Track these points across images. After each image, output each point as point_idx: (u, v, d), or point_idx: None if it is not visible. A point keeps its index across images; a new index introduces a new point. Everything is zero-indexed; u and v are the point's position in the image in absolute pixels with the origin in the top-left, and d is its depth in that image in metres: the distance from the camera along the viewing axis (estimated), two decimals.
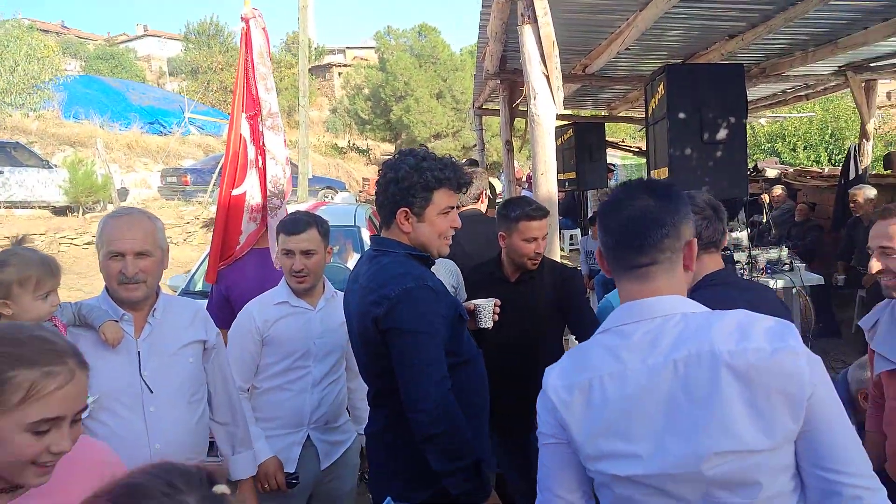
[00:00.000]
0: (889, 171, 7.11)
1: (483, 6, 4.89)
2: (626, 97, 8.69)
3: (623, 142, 12.68)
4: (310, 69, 39.69)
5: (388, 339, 1.72)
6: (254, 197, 3.06)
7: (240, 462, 2.13)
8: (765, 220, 6.62)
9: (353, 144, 30.13)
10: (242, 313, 2.41)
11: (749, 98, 8.83)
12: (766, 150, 19.88)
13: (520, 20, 3.61)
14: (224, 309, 2.85)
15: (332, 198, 14.09)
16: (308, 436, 2.39)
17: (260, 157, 3.13)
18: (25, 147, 13.06)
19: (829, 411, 1.09)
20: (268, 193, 3.12)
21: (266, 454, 2.27)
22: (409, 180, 1.79)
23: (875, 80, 6.86)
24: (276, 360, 2.35)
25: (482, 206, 3.43)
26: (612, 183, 10.70)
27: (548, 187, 3.71)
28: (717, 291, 1.67)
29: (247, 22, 3.13)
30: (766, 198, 7.31)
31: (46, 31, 29.88)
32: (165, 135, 19.34)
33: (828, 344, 5.96)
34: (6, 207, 11.87)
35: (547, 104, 3.61)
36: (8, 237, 9.84)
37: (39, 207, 12.15)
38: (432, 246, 1.86)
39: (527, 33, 3.58)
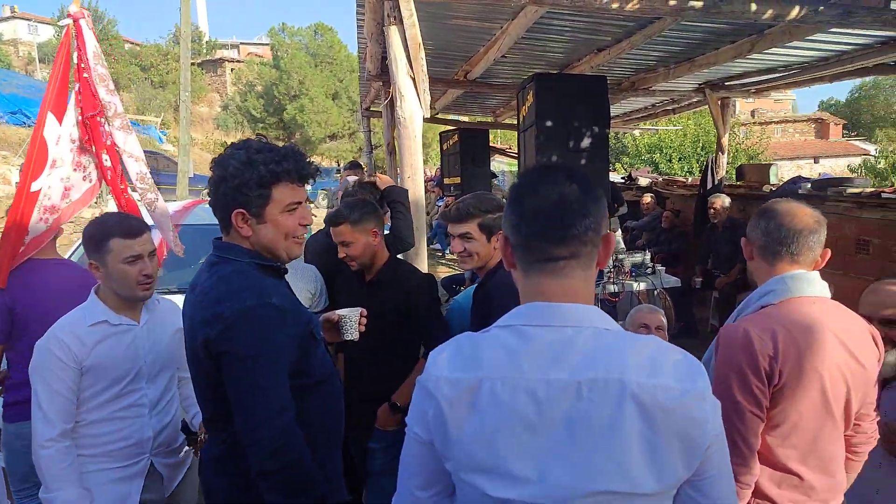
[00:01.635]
0: (740, 182, 7.73)
1: (357, 5, 4.82)
2: (510, 104, 8.91)
3: (510, 148, 13.01)
4: (200, 63, 37.97)
5: (222, 364, 1.53)
6: (49, 197, 2.69)
7: None
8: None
9: None
10: (48, 344, 2.01)
11: (624, 110, 9.37)
12: (646, 160, 21.17)
13: (386, 21, 3.57)
14: (5, 322, 2.51)
15: None
16: (151, 463, 2.17)
17: (108, 157, 2.89)
18: None
19: (723, 463, 1.04)
20: (139, 189, 2.95)
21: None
22: (239, 177, 1.57)
23: (729, 97, 7.43)
24: (102, 388, 2.05)
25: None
26: (496, 184, 10.95)
27: (415, 191, 3.69)
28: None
29: (76, 21, 2.83)
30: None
31: None
32: (31, 126, 17.72)
33: (687, 342, 6.37)
34: None
35: (413, 107, 3.58)
36: None
37: None
38: (279, 249, 1.66)
39: (393, 34, 3.54)
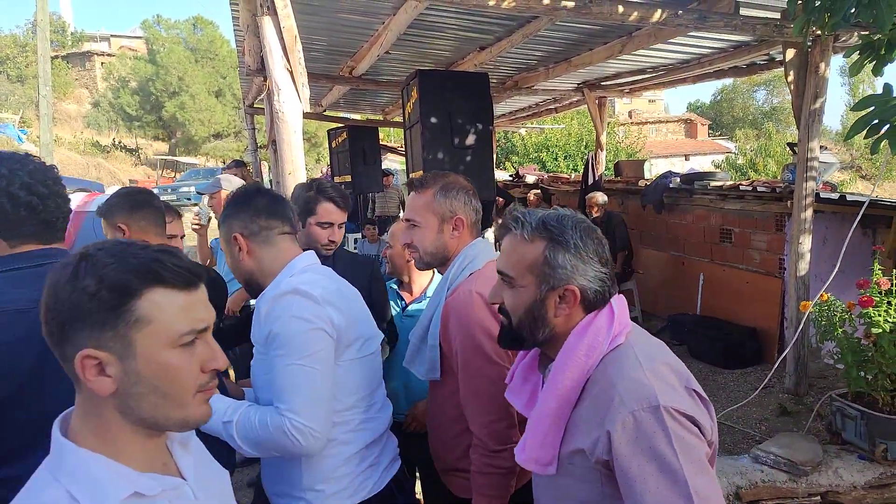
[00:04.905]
0: (618, 178, 8.17)
1: None
2: (398, 102, 8.88)
3: (401, 147, 12.99)
4: (65, 56, 35.10)
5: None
6: None
7: None
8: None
9: (120, 143, 27.13)
10: None
11: (510, 109, 9.61)
12: (534, 159, 21.89)
13: (259, 11, 3.42)
14: None
15: None
16: None
17: None
18: None
19: None
20: None
21: None
22: None
23: (606, 97, 7.81)
24: None
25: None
26: (394, 184, 10.90)
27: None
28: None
29: None
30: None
31: None
32: None
33: None
34: None
35: (292, 100, 3.45)
36: None
37: None
38: None
39: (267, 25, 3.40)
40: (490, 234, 5.71)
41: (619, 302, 1.31)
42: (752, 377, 5.29)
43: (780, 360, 4.27)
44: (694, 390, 1.20)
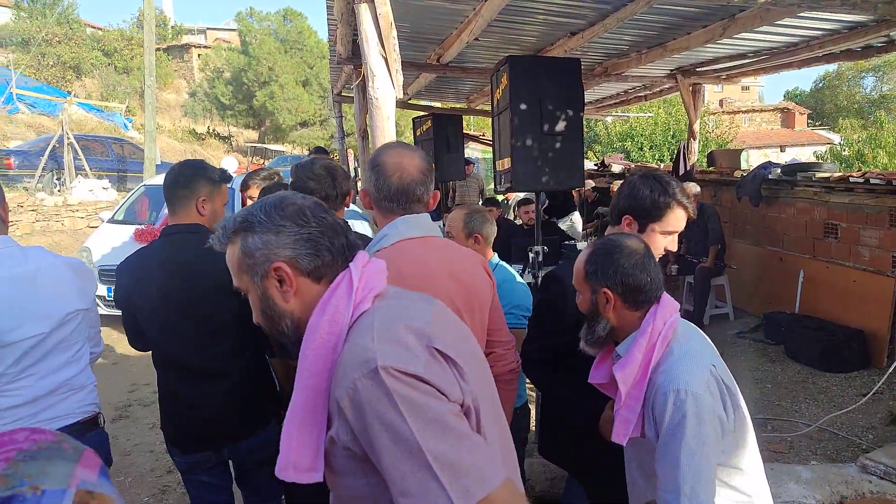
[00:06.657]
0: (711, 168, 7.80)
1: None
2: (483, 90, 8.85)
3: (483, 135, 12.96)
4: (166, 49, 37.08)
5: None
6: None
7: None
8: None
9: (214, 131, 28.50)
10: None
11: (597, 97, 9.37)
12: (617, 148, 21.31)
13: None
14: None
15: None
16: None
17: None
18: None
19: None
20: None
21: None
22: None
23: (700, 83, 7.47)
24: None
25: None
26: (475, 172, 10.91)
27: None
28: None
29: None
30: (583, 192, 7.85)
31: None
32: None
33: None
34: None
35: (386, 87, 3.50)
36: None
37: None
38: None
39: (363, 12, 3.46)
40: (576, 216, 5.62)
41: (365, 265, 1.16)
42: (857, 382, 4.95)
43: (894, 366, 3.97)
44: (437, 349, 1.04)
